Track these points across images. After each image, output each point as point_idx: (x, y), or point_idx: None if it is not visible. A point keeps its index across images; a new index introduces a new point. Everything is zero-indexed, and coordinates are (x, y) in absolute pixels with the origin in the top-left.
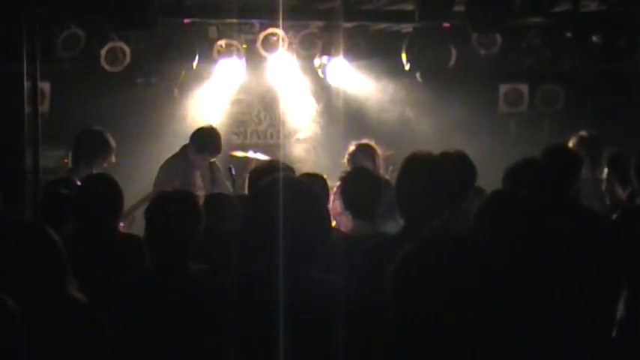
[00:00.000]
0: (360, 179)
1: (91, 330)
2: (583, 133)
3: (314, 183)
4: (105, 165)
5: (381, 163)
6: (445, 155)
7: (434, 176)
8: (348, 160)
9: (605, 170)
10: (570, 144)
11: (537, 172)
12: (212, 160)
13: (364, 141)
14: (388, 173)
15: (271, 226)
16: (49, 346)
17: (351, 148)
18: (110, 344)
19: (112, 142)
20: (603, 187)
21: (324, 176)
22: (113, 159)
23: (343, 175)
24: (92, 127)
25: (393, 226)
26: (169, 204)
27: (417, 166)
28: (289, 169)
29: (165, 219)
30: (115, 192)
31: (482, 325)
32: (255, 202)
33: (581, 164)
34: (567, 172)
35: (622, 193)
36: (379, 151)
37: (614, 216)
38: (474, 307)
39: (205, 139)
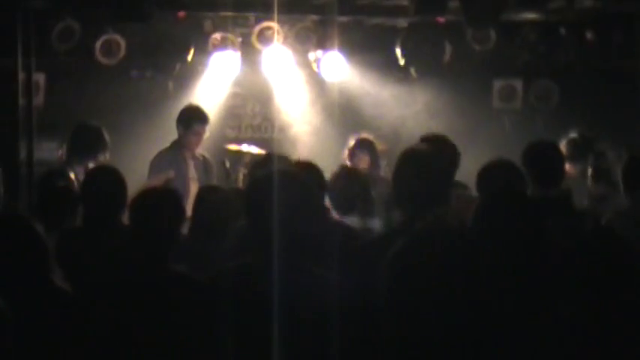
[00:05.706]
0: (342, 178)
1: (75, 319)
2: (573, 134)
3: (310, 173)
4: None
5: (380, 156)
6: (429, 142)
7: (430, 170)
8: (348, 154)
9: (589, 169)
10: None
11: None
12: (204, 133)
13: (363, 135)
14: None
15: (266, 221)
16: (33, 334)
17: (351, 142)
18: (95, 334)
19: (108, 140)
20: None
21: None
22: (107, 157)
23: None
24: (90, 122)
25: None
26: (149, 201)
27: (413, 160)
28: (285, 160)
29: (145, 216)
30: (119, 185)
31: (475, 321)
32: (249, 197)
33: (564, 160)
34: (554, 168)
35: (597, 193)
36: (378, 145)
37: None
38: (465, 303)
39: (188, 111)
